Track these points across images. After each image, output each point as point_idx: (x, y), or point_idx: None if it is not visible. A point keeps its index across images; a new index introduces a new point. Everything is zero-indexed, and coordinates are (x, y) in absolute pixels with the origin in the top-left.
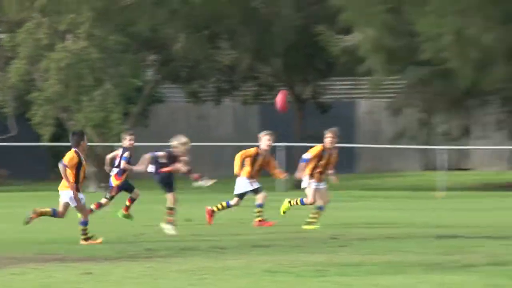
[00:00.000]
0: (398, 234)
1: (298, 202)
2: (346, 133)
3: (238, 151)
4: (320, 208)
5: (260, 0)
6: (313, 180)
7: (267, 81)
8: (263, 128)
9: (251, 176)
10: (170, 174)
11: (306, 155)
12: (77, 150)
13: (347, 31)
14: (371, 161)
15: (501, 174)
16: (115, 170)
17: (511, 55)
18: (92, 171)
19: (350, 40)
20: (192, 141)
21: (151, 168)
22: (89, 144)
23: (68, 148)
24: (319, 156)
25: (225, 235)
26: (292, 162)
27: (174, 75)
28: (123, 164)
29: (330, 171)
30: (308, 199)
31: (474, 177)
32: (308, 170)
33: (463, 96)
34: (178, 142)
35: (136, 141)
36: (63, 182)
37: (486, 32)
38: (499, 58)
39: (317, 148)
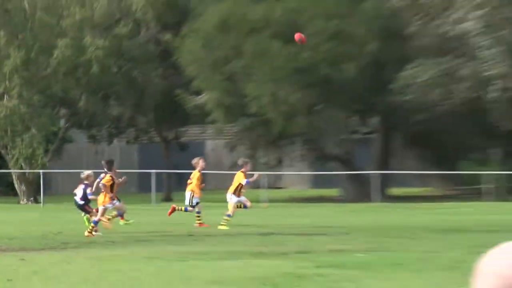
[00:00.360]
0: (234, 232)
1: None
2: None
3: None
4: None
5: (137, 72)
6: (235, 195)
7: (143, 128)
8: (142, 161)
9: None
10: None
11: (246, 180)
12: (111, 174)
13: (198, 93)
14: (216, 183)
15: (304, 191)
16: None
17: (309, 110)
18: (24, 189)
19: (200, 99)
20: (91, 169)
21: (79, 193)
22: (21, 171)
23: (6, 174)
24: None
25: (115, 233)
26: (160, 184)
27: (79, 123)
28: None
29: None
30: (230, 211)
31: (286, 193)
32: (233, 189)
33: (277, 138)
34: (87, 174)
35: (53, 168)
36: (100, 197)
37: (292, 95)
38: (300, 112)
39: (241, 175)
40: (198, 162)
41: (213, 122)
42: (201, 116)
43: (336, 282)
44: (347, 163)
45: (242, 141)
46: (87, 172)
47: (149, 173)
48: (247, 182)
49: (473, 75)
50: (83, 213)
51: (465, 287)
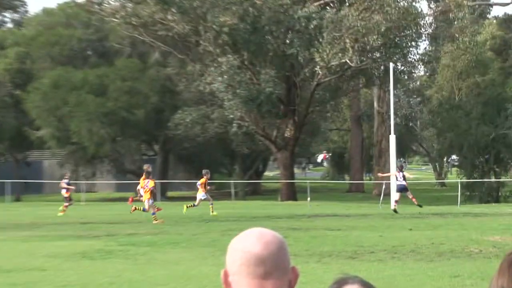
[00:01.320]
0: (62, 222)
1: (192, 205)
2: (39, 178)
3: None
4: (194, 205)
5: None
6: (203, 193)
7: (1, 152)
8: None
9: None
10: None
11: (199, 182)
12: (151, 179)
13: (38, 129)
14: (49, 187)
15: (111, 194)
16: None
17: (113, 140)
18: None
19: (40, 133)
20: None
21: None
22: None
23: None
24: (205, 183)
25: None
26: (13, 190)
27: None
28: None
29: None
30: (197, 202)
31: (99, 195)
32: (202, 189)
33: (91, 158)
34: None
35: None
36: (145, 195)
37: (101, 130)
38: (107, 141)
39: (203, 179)
40: (147, 171)
41: (49, 148)
42: (40, 144)
43: (133, 255)
44: (139, 175)
45: (68, 160)
46: None
47: (4, 182)
48: (210, 186)
49: (220, 118)
50: None
51: (221, 258)
